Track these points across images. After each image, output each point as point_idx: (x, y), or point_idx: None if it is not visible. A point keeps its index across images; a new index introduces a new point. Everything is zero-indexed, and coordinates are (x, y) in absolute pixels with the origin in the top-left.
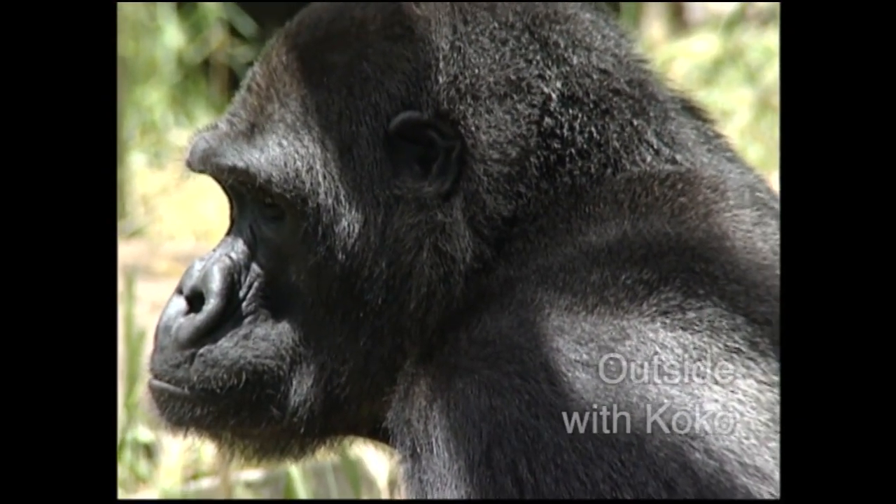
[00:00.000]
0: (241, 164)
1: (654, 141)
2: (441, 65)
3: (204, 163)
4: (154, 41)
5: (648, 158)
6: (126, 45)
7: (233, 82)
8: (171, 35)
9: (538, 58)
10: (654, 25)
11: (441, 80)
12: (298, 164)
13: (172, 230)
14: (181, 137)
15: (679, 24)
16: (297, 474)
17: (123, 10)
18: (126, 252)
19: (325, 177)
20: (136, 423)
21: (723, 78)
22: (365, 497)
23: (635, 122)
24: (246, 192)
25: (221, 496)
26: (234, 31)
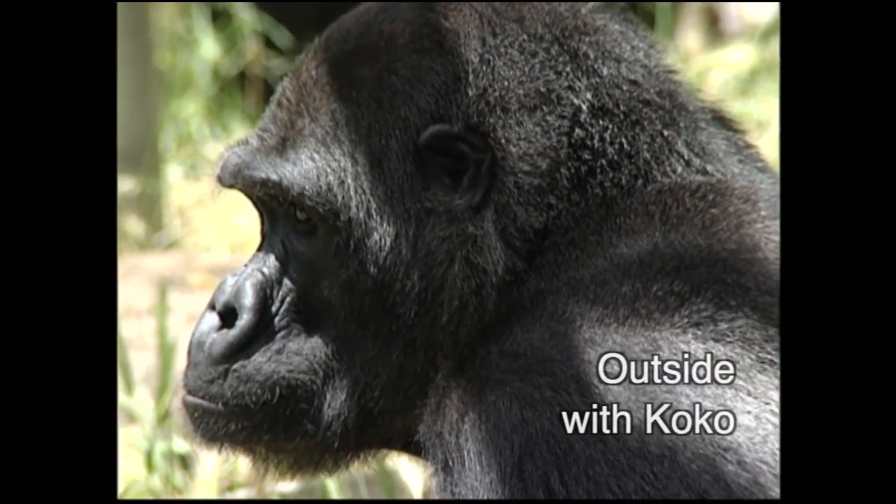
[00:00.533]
0: (273, 177)
1: (684, 151)
2: (470, 77)
3: (235, 177)
4: (190, 53)
5: (679, 169)
6: (163, 58)
7: (268, 94)
8: (208, 47)
9: (568, 69)
10: (689, 36)
11: (471, 92)
12: (330, 177)
13: (208, 242)
14: (217, 149)
15: (715, 34)
16: (333, 485)
17: (160, 22)
18: (162, 264)
19: (356, 190)
20: (172, 434)
21: (759, 88)
22: None
23: (666, 133)
24: (277, 206)
25: None
26: (269, 43)
